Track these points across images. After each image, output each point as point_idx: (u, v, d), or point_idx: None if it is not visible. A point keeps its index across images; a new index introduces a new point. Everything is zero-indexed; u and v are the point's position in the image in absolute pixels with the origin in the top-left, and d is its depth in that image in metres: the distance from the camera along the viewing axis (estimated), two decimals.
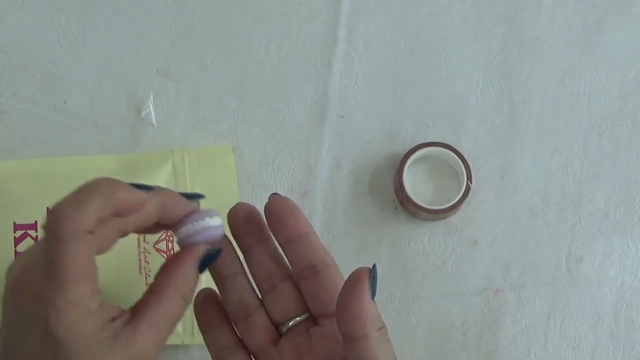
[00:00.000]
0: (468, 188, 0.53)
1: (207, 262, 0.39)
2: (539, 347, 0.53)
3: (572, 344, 0.53)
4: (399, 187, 0.53)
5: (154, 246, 0.49)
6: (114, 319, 0.36)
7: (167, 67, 0.57)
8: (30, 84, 0.56)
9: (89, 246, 0.35)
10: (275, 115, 0.56)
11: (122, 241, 0.43)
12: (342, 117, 0.56)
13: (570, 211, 0.55)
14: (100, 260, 0.44)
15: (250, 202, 0.54)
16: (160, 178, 0.52)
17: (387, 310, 0.53)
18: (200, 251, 0.39)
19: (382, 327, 0.37)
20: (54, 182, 0.51)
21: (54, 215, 0.34)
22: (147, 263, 0.49)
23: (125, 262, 0.49)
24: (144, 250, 0.49)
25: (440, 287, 0.54)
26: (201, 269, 0.39)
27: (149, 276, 0.49)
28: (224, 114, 0.56)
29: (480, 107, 0.56)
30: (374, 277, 0.37)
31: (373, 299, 0.36)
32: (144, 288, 0.45)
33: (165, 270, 0.38)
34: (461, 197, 0.53)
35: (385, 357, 0.37)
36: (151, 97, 0.56)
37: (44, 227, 0.35)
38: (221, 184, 0.52)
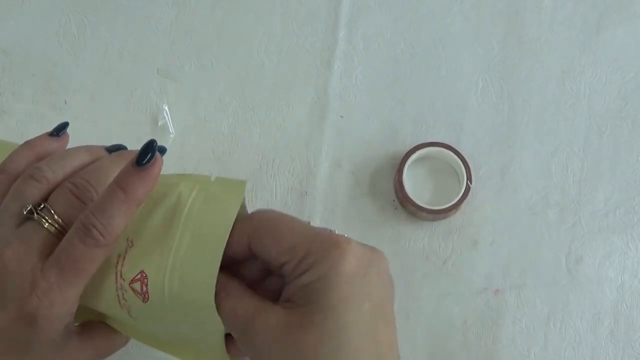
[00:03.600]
0: (468, 188, 0.53)
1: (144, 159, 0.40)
2: (539, 347, 0.53)
3: (572, 344, 0.53)
4: (399, 187, 0.53)
5: (129, 285, 0.43)
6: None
7: (167, 67, 0.57)
8: (30, 84, 0.56)
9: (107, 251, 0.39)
10: (275, 115, 0.56)
11: (103, 275, 0.42)
12: (342, 117, 0.56)
13: (570, 211, 0.55)
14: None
15: (250, 202, 0.54)
16: (157, 212, 0.42)
17: None
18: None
19: None
20: None
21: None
22: (125, 300, 0.43)
23: (107, 296, 0.43)
24: (120, 287, 0.43)
25: (440, 287, 0.54)
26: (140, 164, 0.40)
27: (130, 311, 0.43)
28: (224, 114, 0.56)
29: (480, 107, 0.56)
30: None
31: None
32: (129, 319, 0.43)
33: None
34: (461, 197, 0.53)
35: (226, 320, 0.38)
36: (166, 107, 0.56)
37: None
38: (213, 231, 0.41)
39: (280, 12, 0.57)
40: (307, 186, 0.55)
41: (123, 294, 0.42)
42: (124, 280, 0.42)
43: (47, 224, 0.39)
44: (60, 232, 0.39)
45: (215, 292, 0.37)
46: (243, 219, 0.39)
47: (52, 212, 0.39)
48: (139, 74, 0.57)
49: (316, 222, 0.55)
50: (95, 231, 0.38)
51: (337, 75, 0.57)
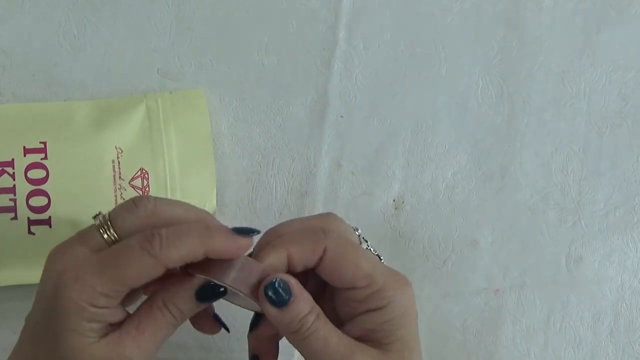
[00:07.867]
0: None
1: (206, 296, 0.40)
2: (539, 347, 0.53)
3: (572, 344, 0.53)
4: None
5: (129, 183, 0.51)
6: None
7: (167, 67, 0.57)
8: (30, 84, 0.56)
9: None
10: (275, 116, 0.56)
11: (98, 178, 0.50)
12: (342, 117, 0.56)
13: (570, 211, 0.55)
14: (76, 195, 0.50)
15: (250, 202, 0.54)
16: (134, 121, 0.52)
17: None
18: (196, 284, 0.39)
19: (298, 330, 0.39)
20: (29, 124, 0.52)
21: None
22: (124, 199, 0.50)
23: (101, 199, 0.50)
24: (119, 187, 0.50)
25: (440, 287, 0.54)
26: (201, 300, 0.40)
27: None
28: (223, 113, 0.56)
29: (480, 107, 0.56)
30: (271, 292, 0.39)
31: (280, 307, 0.39)
32: None
33: (165, 288, 0.40)
34: None
35: (315, 346, 0.39)
36: None
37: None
38: (194, 127, 0.53)
39: (280, 12, 0.57)
40: (307, 186, 0.55)
41: (122, 194, 0.50)
42: (123, 180, 0.50)
43: (105, 234, 0.39)
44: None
45: (306, 313, 0.39)
46: (317, 232, 0.41)
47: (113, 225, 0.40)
48: (139, 74, 0.57)
49: None
50: (157, 239, 0.37)
51: (337, 75, 0.57)
